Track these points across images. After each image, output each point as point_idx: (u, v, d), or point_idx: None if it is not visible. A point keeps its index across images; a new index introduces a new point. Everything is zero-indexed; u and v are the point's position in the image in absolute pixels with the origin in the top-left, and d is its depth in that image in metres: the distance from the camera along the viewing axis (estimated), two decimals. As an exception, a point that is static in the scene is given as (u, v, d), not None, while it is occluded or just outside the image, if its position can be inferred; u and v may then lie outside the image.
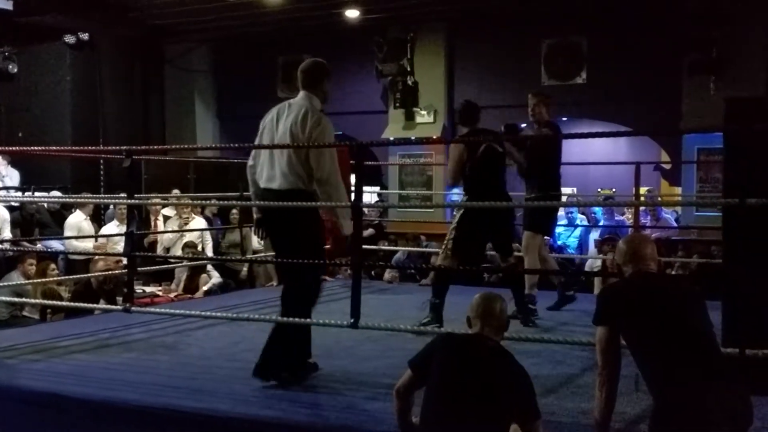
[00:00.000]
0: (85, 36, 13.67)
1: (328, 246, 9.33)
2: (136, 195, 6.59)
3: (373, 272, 10.29)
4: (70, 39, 13.68)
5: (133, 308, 5.90)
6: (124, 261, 7.27)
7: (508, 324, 3.69)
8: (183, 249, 9.84)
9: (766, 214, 4.16)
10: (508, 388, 3.39)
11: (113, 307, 6.97)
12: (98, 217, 11.87)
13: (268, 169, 5.00)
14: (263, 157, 5.07)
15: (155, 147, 11.10)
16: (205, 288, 9.68)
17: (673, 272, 9.26)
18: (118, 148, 7.03)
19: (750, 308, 4.18)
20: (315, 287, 5.10)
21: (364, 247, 9.05)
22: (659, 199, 13.51)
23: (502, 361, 3.48)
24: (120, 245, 8.65)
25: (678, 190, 13.00)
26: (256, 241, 10.86)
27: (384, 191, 14.46)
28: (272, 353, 4.86)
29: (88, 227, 10.54)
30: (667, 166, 13.68)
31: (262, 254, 9.81)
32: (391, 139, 13.10)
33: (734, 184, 4.23)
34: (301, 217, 4.93)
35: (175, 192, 11.34)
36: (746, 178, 4.15)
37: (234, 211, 11.14)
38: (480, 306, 3.62)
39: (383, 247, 10.91)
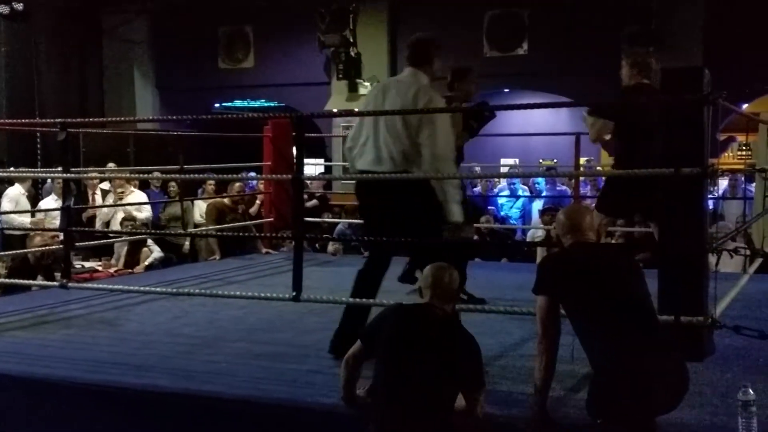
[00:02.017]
0: (19, 6, 13.26)
1: (271, 219, 9.38)
2: (72, 169, 6.43)
3: (317, 245, 10.25)
4: (3, 9, 13.26)
5: (70, 284, 5.80)
6: (62, 236, 7.12)
7: (458, 294, 3.72)
8: (122, 223, 9.68)
9: (700, 184, 4.24)
10: (456, 357, 3.43)
11: (50, 283, 6.84)
12: (35, 192, 11.59)
13: (371, 150, 4.70)
14: (364, 138, 4.74)
15: (92, 120, 10.84)
16: (146, 263, 9.55)
17: (614, 242, 9.38)
18: (52, 120, 6.84)
19: (684, 276, 4.27)
20: None
21: (307, 219, 9.04)
22: (599, 168, 13.69)
23: (450, 331, 3.52)
24: (58, 220, 8.46)
25: (618, 160, 13.19)
26: (198, 215, 10.74)
27: (328, 163, 14.40)
28: (345, 331, 4.60)
29: (25, 202, 10.30)
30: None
31: (204, 228, 9.70)
32: (335, 111, 13.02)
33: (670, 154, 4.29)
34: (415, 206, 4.58)
35: (111, 166, 11.11)
36: (681, 148, 4.21)
37: (172, 183, 10.97)
38: (430, 276, 3.64)
39: (326, 219, 10.87)
